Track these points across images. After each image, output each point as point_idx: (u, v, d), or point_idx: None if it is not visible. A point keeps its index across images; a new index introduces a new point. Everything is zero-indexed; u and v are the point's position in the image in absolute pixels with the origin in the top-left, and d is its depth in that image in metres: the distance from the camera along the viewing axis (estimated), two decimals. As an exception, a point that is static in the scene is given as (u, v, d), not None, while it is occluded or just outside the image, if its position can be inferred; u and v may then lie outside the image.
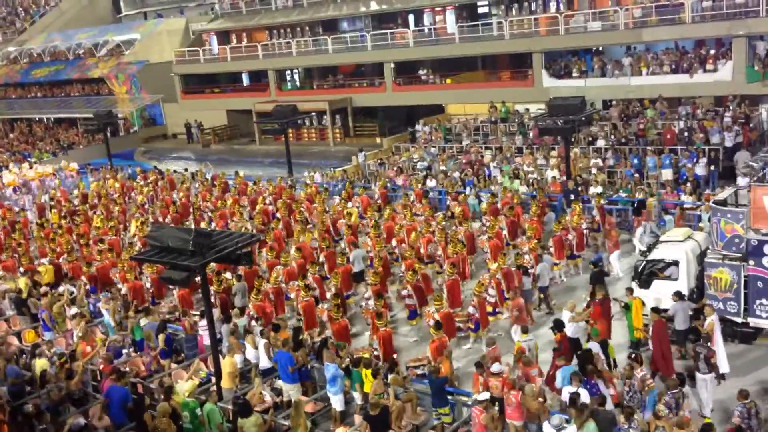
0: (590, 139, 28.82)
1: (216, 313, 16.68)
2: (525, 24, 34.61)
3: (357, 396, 13.76)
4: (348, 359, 14.21)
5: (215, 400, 13.27)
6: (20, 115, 58.46)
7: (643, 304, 14.95)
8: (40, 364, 15.10)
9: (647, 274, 16.02)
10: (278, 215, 24.99)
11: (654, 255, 16.25)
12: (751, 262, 14.40)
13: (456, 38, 36.19)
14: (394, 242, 21.41)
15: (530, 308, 17.39)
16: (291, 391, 14.02)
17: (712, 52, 30.13)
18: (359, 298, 18.75)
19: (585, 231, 20.52)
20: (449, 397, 12.97)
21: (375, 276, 17.92)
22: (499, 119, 33.28)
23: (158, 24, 55.66)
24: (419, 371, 14.64)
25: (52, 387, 14.06)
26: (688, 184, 22.81)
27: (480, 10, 38.76)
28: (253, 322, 16.82)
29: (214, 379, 14.53)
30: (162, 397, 13.02)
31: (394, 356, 15.10)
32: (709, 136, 26.26)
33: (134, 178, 34.77)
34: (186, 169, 34.69)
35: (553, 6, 35.69)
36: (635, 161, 25.94)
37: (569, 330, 14.50)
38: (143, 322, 16.91)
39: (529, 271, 17.63)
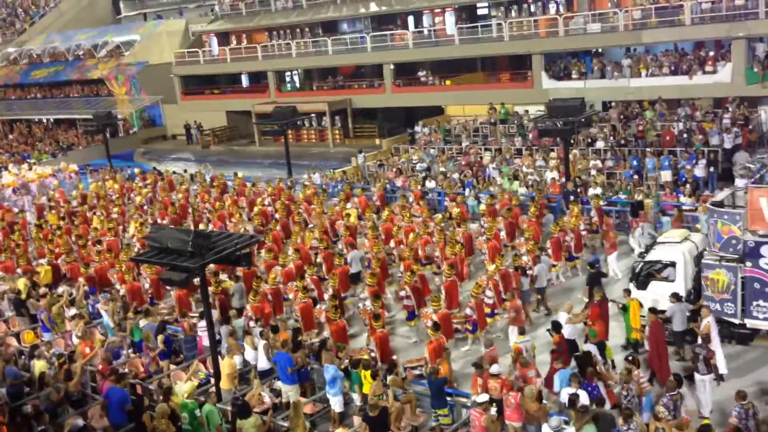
0: (589, 140, 28.84)
1: (215, 314, 16.67)
2: (524, 25, 34.62)
3: (356, 397, 13.76)
4: (347, 360, 14.20)
5: (214, 401, 13.26)
6: (19, 116, 58.46)
7: (641, 305, 14.96)
8: (39, 366, 15.09)
9: (645, 275, 16.04)
10: (277, 216, 25.00)
11: (651, 256, 16.28)
12: (748, 264, 14.43)
13: (455, 40, 36.21)
14: (392, 243, 21.43)
15: (528, 309, 17.41)
16: (290, 392, 14.02)
17: (712, 53, 30.17)
18: (356, 299, 18.74)
19: (583, 232, 20.54)
20: (448, 399, 12.96)
21: (372, 277, 17.93)
22: (499, 121, 33.30)
23: (158, 25, 55.67)
24: (416, 372, 14.64)
25: (51, 388, 14.04)
26: (688, 186, 22.83)
27: (479, 12, 38.77)
28: (252, 323, 16.81)
29: (213, 380, 14.52)
30: (161, 398, 13.02)
31: (394, 357, 15.10)
32: (708, 138, 26.29)
33: (133, 179, 34.77)
34: (185, 171, 34.69)
35: (552, 8, 35.70)
36: (634, 163, 25.96)
37: (566, 331, 14.51)
38: (142, 323, 16.92)
39: (527, 272, 17.65)
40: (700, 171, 24.42)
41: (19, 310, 19.36)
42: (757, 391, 13.17)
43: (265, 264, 20.45)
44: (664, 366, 13.85)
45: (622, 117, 29.82)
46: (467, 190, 26.07)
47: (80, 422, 13.31)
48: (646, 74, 30.85)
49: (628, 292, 15.52)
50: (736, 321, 14.87)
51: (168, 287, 19.52)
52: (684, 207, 21.23)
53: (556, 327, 14.38)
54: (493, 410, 11.77)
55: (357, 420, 13.11)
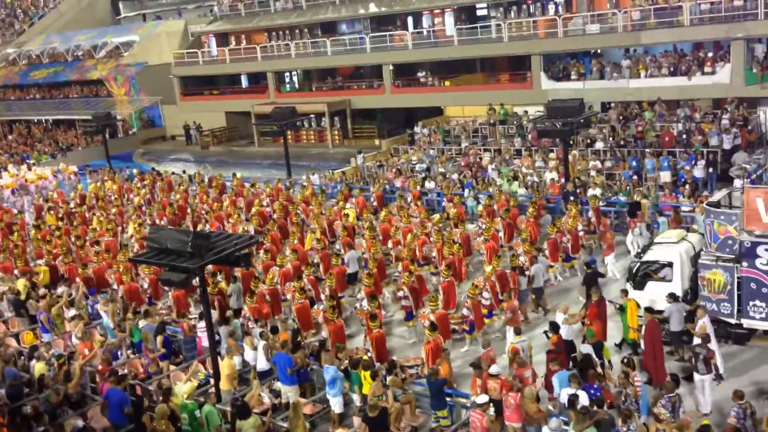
0: (589, 141, 28.86)
1: (213, 315, 16.67)
2: (524, 26, 34.63)
3: (356, 398, 13.76)
4: (347, 361, 14.21)
5: (214, 402, 13.27)
6: (19, 117, 58.46)
7: (638, 305, 14.99)
8: (38, 367, 15.09)
9: (642, 275, 16.08)
10: (275, 217, 25.03)
11: (648, 256, 16.31)
12: (745, 264, 14.47)
13: (455, 40, 36.22)
14: (390, 244, 21.45)
15: (526, 309, 17.45)
16: (289, 392, 14.02)
17: (710, 54, 30.19)
18: (353, 300, 18.75)
19: (581, 233, 20.57)
20: (448, 399, 12.97)
21: (369, 278, 17.95)
22: (498, 121, 33.32)
23: (157, 26, 55.69)
24: (412, 371, 14.66)
25: (51, 390, 14.04)
26: (687, 187, 22.85)
27: (479, 13, 38.78)
28: (252, 324, 16.83)
29: (212, 381, 14.52)
30: (161, 399, 13.02)
31: (394, 358, 15.10)
32: (707, 139, 26.31)
33: (132, 180, 34.79)
34: (183, 171, 34.71)
35: (551, 8, 35.75)
36: (633, 163, 25.98)
37: (563, 332, 14.55)
38: (142, 324, 16.92)
39: (525, 272, 17.67)
40: (699, 172, 24.45)
41: (18, 310, 19.37)
42: (754, 390, 13.19)
43: (262, 265, 20.45)
44: (660, 366, 13.89)
45: (621, 118, 29.84)
46: (466, 190, 26.09)
47: (80, 423, 13.32)
48: (645, 75, 30.86)
49: (625, 292, 15.55)
50: (733, 321, 14.91)
51: (166, 287, 19.54)
52: (683, 208, 21.24)
53: (554, 327, 14.40)
54: (491, 410, 11.78)
55: (357, 420, 13.11)
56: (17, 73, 59.74)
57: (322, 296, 18.25)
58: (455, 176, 28.03)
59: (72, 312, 18.10)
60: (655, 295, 15.52)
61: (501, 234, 21.32)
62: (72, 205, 30.97)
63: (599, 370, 13.05)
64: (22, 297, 19.47)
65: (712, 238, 14.96)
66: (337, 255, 20.05)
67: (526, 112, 32.75)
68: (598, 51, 34.31)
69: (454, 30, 36.73)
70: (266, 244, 21.79)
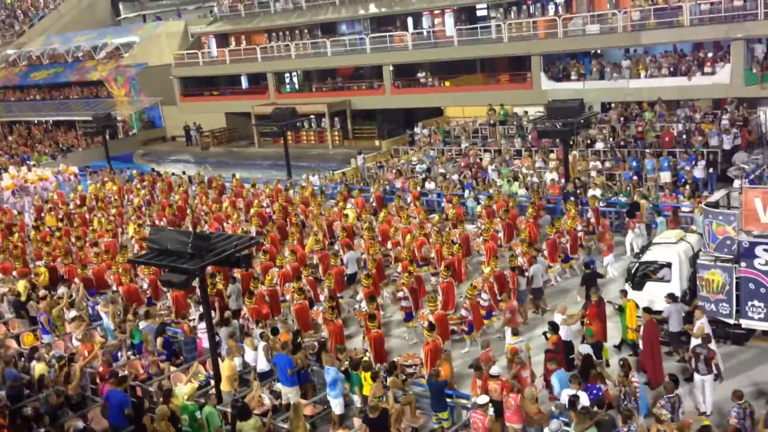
0: (589, 141, 28.86)
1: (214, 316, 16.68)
2: (523, 27, 34.64)
3: (356, 399, 13.76)
4: (347, 362, 14.21)
5: (214, 403, 13.27)
6: (19, 118, 58.49)
7: (637, 306, 15.00)
8: (38, 368, 15.10)
9: (640, 276, 16.10)
10: (274, 218, 25.04)
11: (647, 257, 16.33)
12: (743, 264, 14.49)
13: (455, 41, 36.23)
14: (389, 244, 21.46)
15: (526, 309, 17.45)
16: (290, 393, 14.02)
17: (710, 55, 30.19)
18: (352, 301, 18.75)
19: (580, 234, 20.58)
20: (448, 400, 12.97)
21: (367, 279, 17.97)
22: (498, 122, 33.32)
23: (157, 27, 55.71)
24: (410, 370, 14.65)
25: (51, 391, 14.05)
26: (687, 187, 22.85)
27: (479, 13, 38.79)
28: (251, 324, 16.84)
29: (213, 382, 14.52)
30: (161, 400, 13.02)
31: (395, 360, 15.10)
32: (707, 139, 26.31)
33: (132, 181, 34.80)
34: (183, 172, 34.74)
35: (551, 9, 35.76)
36: (634, 164, 25.98)
37: (562, 333, 14.56)
38: (142, 324, 16.93)
39: (524, 273, 17.67)
40: (699, 172, 24.44)
41: (18, 312, 19.37)
42: (753, 391, 13.19)
43: (261, 266, 20.45)
44: (658, 367, 13.90)
45: (621, 118, 29.83)
46: (467, 191, 26.09)
47: (80, 424, 13.32)
48: (645, 75, 30.86)
49: (624, 292, 15.57)
50: (731, 321, 14.94)
51: (164, 288, 19.56)
52: (684, 208, 21.24)
53: (554, 327, 14.43)
54: (490, 411, 11.78)
55: (357, 422, 13.11)
56: (17, 74, 59.78)
57: (321, 297, 18.25)
58: (455, 177, 28.04)
59: (72, 313, 18.11)
60: (653, 295, 15.54)
61: (500, 234, 21.32)
62: (72, 206, 30.97)
63: (599, 369, 13.05)
64: (23, 298, 19.47)
65: (710, 239, 14.98)
66: (336, 255, 20.04)
67: (526, 112, 32.75)
68: (598, 51, 34.31)
69: (454, 30, 36.74)
70: (265, 245, 21.79)
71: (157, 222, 26.49)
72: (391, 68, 38.65)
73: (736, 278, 14.59)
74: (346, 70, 42.95)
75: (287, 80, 46.10)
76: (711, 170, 24.71)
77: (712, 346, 13.47)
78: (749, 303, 14.59)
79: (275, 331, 15.73)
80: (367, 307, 16.40)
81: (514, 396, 12.10)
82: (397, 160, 32.67)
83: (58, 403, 13.73)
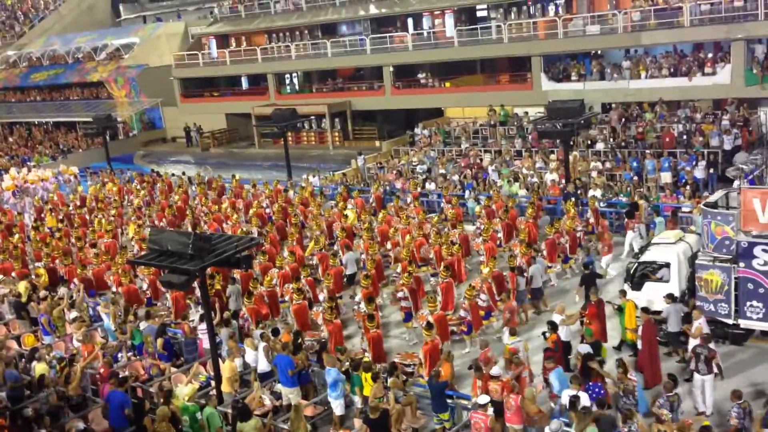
0: (589, 142, 28.86)
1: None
2: (524, 27, 34.64)
3: (357, 399, 13.75)
4: (347, 363, 14.20)
5: (215, 404, 13.26)
6: (19, 119, 58.51)
7: (636, 306, 15.00)
8: (39, 368, 15.10)
9: (639, 276, 16.11)
10: (273, 218, 25.04)
11: (645, 257, 16.34)
12: (742, 264, 14.51)
13: (455, 42, 36.24)
14: (388, 245, 21.47)
15: (526, 309, 17.46)
16: (290, 394, 14.01)
17: (711, 55, 30.19)
18: (351, 302, 18.75)
19: (579, 234, 20.58)
20: (449, 401, 12.96)
21: (366, 279, 17.96)
22: (498, 122, 33.32)
23: (157, 28, 55.74)
24: (408, 369, 14.65)
25: (51, 391, 14.05)
26: (688, 188, 22.84)
27: (479, 14, 38.79)
28: (250, 325, 16.84)
29: (213, 383, 14.51)
30: (162, 401, 13.01)
31: (395, 361, 15.10)
32: (708, 140, 26.30)
33: (132, 182, 34.81)
34: (183, 173, 34.75)
35: (551, 9, 35.76)
36: (634, 164, 25.97)
37: (561, 333, 14.57)
38: (143, 325, 16.92)
39: (524, 273, 17.67)
40: (700, 172, 24.43)
41: (19, 313, 19.36)
42: (752, 391, 13.18)
43: (260, 266, 20.43)
44: (656, 367, 13.90)
45: (622, 119, 29.82)
46: (467, 192, 26.09)
47: (81, 425, 13.32)
48: (645, 76, 30.86)
49: (623, 293, 15.59)
50: (730, 321, 14.96)
51: (163, 289, 19.58)
52: (684, 209, 21.23)
53: (553, 326, 14.46)
54: (490, 411, 11.77)
55: (357, 422, 13.10)
56: (18, 76, 59.80)
57: (320, 297, 18.29)
58: (456, 177, 28.04)
59: (73, 314, 18.10)
60: (652, 295, 15.56)
61: (500, 235, 21.32)
62: (71, 207, 30.98)
63: (595, 367, 13.05)
64: (23, 299, 19.47)
65: (709, 239, 15.02)
66: (334, 256, 20.05)
67: (526, 113, 32.75)
68: (599, 52, 34.31)
69: (454, 31, 36.76)
70: (265, 245, 21.79)
71: (156, 223, 26.50)
72: (391, 69, 38.65)
73: (735, 278, 14.61)
74: (346, 71, 42.96)
75: (287, 81, 46.11)
76: (711, 171, 24.71)
77: (712, 345, 13.49)
78: (748, 303, 14.62)
79: (276, 332, 15.73)
80: (365, 308, 16.41)
81: (514, 397, 12.09)
82: (397, 161, 32.66)
83: (59, 403, 13.73)
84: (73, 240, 25.36)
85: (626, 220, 21.01)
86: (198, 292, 18.68)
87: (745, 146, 26.00)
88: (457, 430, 12.61)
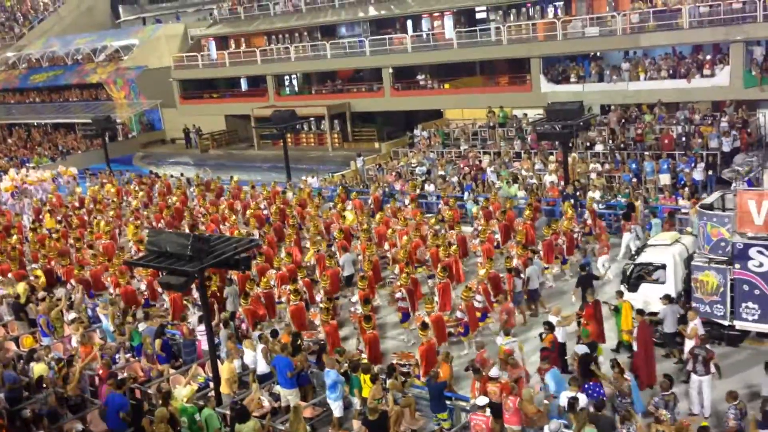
0: (588, 144, 28.87)
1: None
2: (523, 29, 34.69)
3: (356, 401, 13.75)
4: (346, 364, 14.20)
5: (213, 406, 13.25)
6: (19, 120, 58.49)
7: (632, 307, 15.02)
8: (38, 369, 15.09)
9: (635, 277, 16.13)
10: (271, 220, 25.04)
11: (642, 258, 16.37)
12: (737, 266, 14.52)
13: (454, 43, 36.28)
14: (386, 246, 21.46)
15: (524, 310, 17.46)
16: (289, 396, 14.00)
17: (709, 57, 30.21)
18: (348, 303, 18.75)
19: (576, 235, 20.59)
20: (447, 402, 12.96)
21: (362, 280, 17.95)
22: (497, 124, 33.33)
23: (157, 29, 55.75)
24: (404, 369, 14.66)
25: (50, 392, 14.03)
26: (686, 189, 22.85)
27: (478, 16, 38.87)
28: (246, 326, 16.84)
29: (212, 385, 14.50)
30: (160, 402, 13.00)
31: (393, 362, 15.10)
32: (707, 141, 26.32)
33: (131, 183, 34.81)
34: (181, 174, 34.71)
35: (551, 11, 35.80)
36: (633, 166, 25.99)
37: (558, 334, 14.59)
38: (141, 326, 16.91)
39: (520, 275, 17.69)
40: (698, 174, 24.43)
41: (18, 314, 19.35)
42: (748, 393, 13.16)
43: (257, 267, 20.42)
44: (651, 368, 13.91)
45: (623, 120, 29.83)
46: (466, 193, 26.09)
47: (79, 426, 13.31)
48: (644, 78, 30.90)
49: (620, 293, 15.60)
50: (726, 323, 14.98)
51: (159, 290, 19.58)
52: (683, 211, 21.24)
53: (550, 327, 14.47)
54: (487, 412, 11.77)
55: (356, 424, 13.09)
56: (17, 77, 59.81)
57: (317, 298, 18.31)
58: (455, 179, 28.04)
59: (72, 315, 18.09)
60: (648, 296, 15.59)
61: (497, 236, 21.32)
62: (70, 208, 30.97)
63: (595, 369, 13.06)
64: (22, 300, 19.45)
65: (705, 240, 15.06)
66: (331, 257, 20.06)
67: (525, 114, 32.75)
68: (598, 54, 34.33)
69: (453, 33, 36.81)
70: (262, 246, 21.77)
71: (154, 224, 26.50)
72: (390, 70, 38.68)
73: (731, 280, 14.64)
74: (345, 73, 42.99)
75: (287, 83, 46.14)
76: (710, 172, 24.71)
77: (708, 346, 13.51)
78: (743, 304, 14.63)
79: (275, 334, 15.72)
80: (362, 309, 16.41)
81: (513, 398, 12.09)
82: (396, 163, 32.67)
83: (56, 404, 13.71)
84: (71, 241, 25.34)
85: (623, 221, 21.02)
86: (195, 294, 18.76)
87: (744, 148, 26.00)
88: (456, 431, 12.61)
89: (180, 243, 12.98)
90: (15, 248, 24.38)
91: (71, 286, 20.64)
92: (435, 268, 19.06)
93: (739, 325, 14.87)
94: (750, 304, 14.54)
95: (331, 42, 41.36)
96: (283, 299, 18.49)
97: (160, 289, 19.56)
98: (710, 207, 15.71)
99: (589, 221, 21.44)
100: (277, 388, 14.37)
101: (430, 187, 27.62)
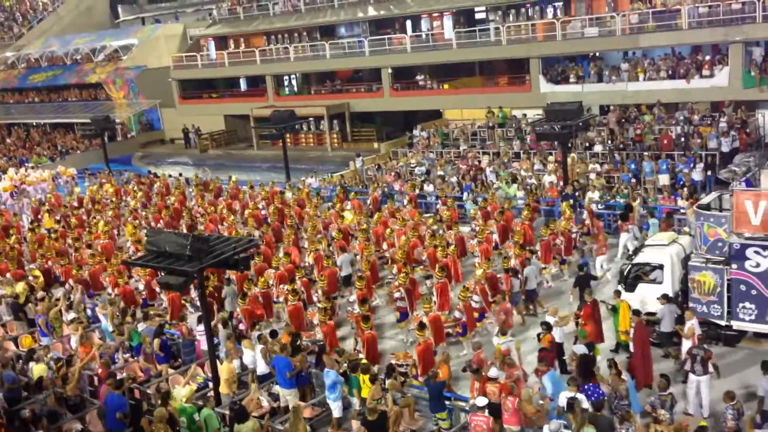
0: (587, 144, 28.89)
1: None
2: (522, 30, 34.69)
3: (355, 401, 13.75)
4: (345, 364, 14.20)
5: (213, 406, 13.25)
6: (18, 120, 58.43)
7: (629, 307, 15.04)
8: (37, 370, 15.08)
9: (633, 277, 16.16)
10: (269, 220, 25.03)
11: (639, 259, 16.40)
12: (734, 266, 14.56)
13: (453, 44, 36.28)
14: (385, 246, 21.44)
15: (521, 310, 17.46)
16: (288, 396, 14.00)
17: (709, 57, 30.22)
18: (345, 302, 18.76)
19: (574, 236, 20.59)
20: (447, 402, 12.96)
21: (360, 280, 17.96)
22: (497, 124, 33.34)
23: (156, 29, 55.71)
24: (402, 369, 14.66)
25: (50, 393, 14.03)
26: (685, 190, 22.86)
27: (477, 16, 38.85)
28: (243, 326, 16.84)
29: (211, 385, 14.50)
30: (159, 402, 12.99)
31: (392, 362, 15.10)
32: (706, 142, 26.34)
33: (129, 183, 34.80)
34: (180, 174, 34.68)
35: (550, 12, 35.81)
36: (632, 166, 26.00)
37: (555, 335, 14.60)
38: (141, 326, 16.90)
39: (518, 275, 17.69)
40: (697, 175, 24.44)
41: (17, 314, 19.33)
42: (745, 393, 13.18)
43: (255, 267, 20.42)
44: (648, 368, 13.92)
45: (622, 120, 29.83)
46: (465, 193, 26.10)
47: (78, 426, 13.30)
48: (643, 78, 30.90)
49: (618, 293, 15.62)
50: (723, 323, 15.02)
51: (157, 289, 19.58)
52: (682, 212, 21.26)
53: (548, 327, 14.49)
54: (485, 413, 11.77)
55: (355, 424, 13.09)
56: (16, 77, 59.76)
57: (314, 298, 18.26)
58: (454, 179, 28.05)
59: (71, 315, 18.08)
60: (645, 297, 15.62)
61: (495, 236, 21.33)
62: (68, 208, 30.95)
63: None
64: (21, 300, 19.44)
65: (702, 241, 15.08)
66: (328, 257, 20.07)
67: (524, 115, 32.77)
68: (597, 54, 34.34)
69: (452, 33, 36.80)
70: (261, 246, 21.77)
71: (153, 224, 26.48)
72: (389, 71, 38.67)
73: (728, 280, 14.67)
74: (344, 73, 42.98)
75: (286, 83, 46.12)
76: (709, 173, 24.74)
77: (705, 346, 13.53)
78: (740, 305, 14.68)
79: (274, 334, 15.71)
80: (359, 309, 16.40)
81: (512, 399, 12.09)
82: (395, 163, 32.67)
83: (55, 404, 13.70)
84: (69, 241, 25.33)
85: (620, 222, 21.04)
86: (193, 293, 18.76)
87: (743, 148, 26.03)
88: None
89: (179, 243, 12.99)
90: (13, 248, 24.36)
91: (70, 286, 20.63)
92: (432, 268, 19.07)
93: (736, 325, 14.92)
94: (747, 304, 14.58)
95: (330, 42, 41.36)
96: (281, 299, 18.49)
97: (158, 289, 19.55)
98: (707, 207, 15.76)
99: (588, 221, 21.45)
100: (277, 388, 14.37)
101: (429, 188, 27.62)
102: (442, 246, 19.72)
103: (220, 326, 16.54)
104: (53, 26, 63.76)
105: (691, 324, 13.89)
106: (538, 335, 14.68)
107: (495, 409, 12.14)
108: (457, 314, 16.57)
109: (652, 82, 30.63)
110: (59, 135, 54.01)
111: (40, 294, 19.56)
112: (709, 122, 27.94)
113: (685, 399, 13.21)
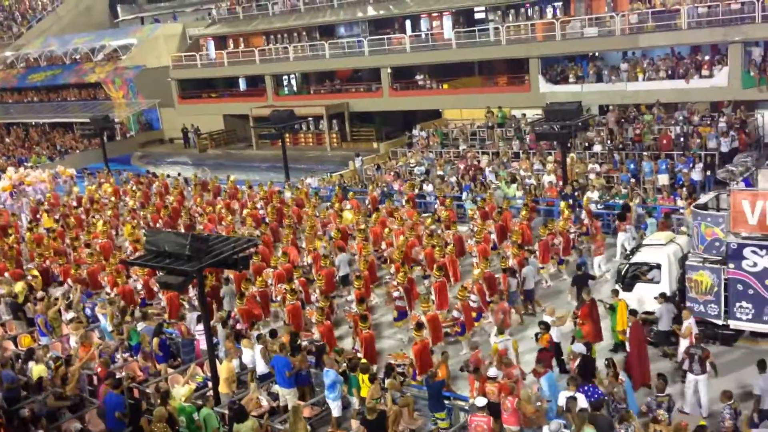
0: (587, 144, 28.89)
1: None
2: (521, 30, 34.68)
3: (354, 401, 13.75)
4: (345, 363, 14.20)
5: (212, 405, 13.24)
6: (17, 120, 58.41)
7: (627, 306, 15.06)
8: (37, 370, 15.07)
9: (630, 277, 16.18)
10: (267, 220, 25.04)
11: (636, 258, 16.42)
12: (731, 266, 14.60)
13: (453, 44, 36.27)
14: (383, 245, 21.44)
15: (519, 310, 17.47)
16: (288, 395, 14.00)
17: (708, 58, 30.24)
18: (343, 302, 18.76)
19: (572, 236, 20.60)
20: (446, 402, 12.96)
21: (358, 280, 17.97)
22: (496, 124, 33.35)
23: (155, 29, 55.70)
24: (399, 369, 14.68)
25: (49, 392, 14.02)
26: (684, 190, 22.87)
27: (477, 16, 38.84)
28: (240, 326, 16.84)
29: (210, 384, 14.49)
30: (158, 401, 12.99)
31: (391, 362, 15.10)
32: (706, 142, 26.35)
33: (128, 182, 34.79)
34: (179, 174, 34.65)
35: (549, 12, 35.80)
36: (632, 166, 26.02)
37: (553, 334, 14.61)
38: (140, 326, 16.89)
39: (516, 274, 17.69)
40: (697, 175, 24.45)
41: (15, 313, 19.33)
42: (741, 393, 13.17)
43: (253, 266, 20.41)
44: (645, 368, 13.92)
45: (622, 120, 29.84)
46: (464, 193, 26.10)
47: (78, 426, 13.29)
48: (642, 78, 30.89)
49: (616, 293, 15.64)
50: (720, 322, 15.05)
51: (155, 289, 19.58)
52: (681, 211, 21.27)
53: (546, 327, 14.51)
54: (485, 413, 11.78)
55: (354, 424, 13.09)
56: (15, 76, 59.74)
57: (312, 297, 18.24)
58: (453, 179, 28.05)
59: (70, 315, 18.07)
60: (643, 296, 15.64)
61: (493, 236, 21.34)
62: (67, 207, 30.94)
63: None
64: (20, 300, 19.43)
65: (699, 240, 15.12)
66: (326, 257, 20.07)
67: (524, 115, 32.77)
68: (596, 54, 34.35)
69: (452, 33, 36.79)
70: (259, 246, 21.76)
71: (151, 224, 26.47)
72: (389, 70, 38.67)
73: (725, 279, 14.70)
74: (344, 73, 42.97)
75: (285, 82, 46.11)
76: (708, 173, 24.74)
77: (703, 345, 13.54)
78: (737, 304, 14.72)
79: (274, 334, 15.71)
80: (357, 309, 16.42)
81: (511, 399, 12.09)
82: (395, 163, 32.67)
83: (55, 404, 13.69)
84: (68, 240, 25.32)
85: (617, 222, 21.06)
86: (191, 293, 18.77)
87: (742, 148, 26.04)
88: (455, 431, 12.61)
89: (178, 242, 12.99)
90: (12, 248, 24.35)
91: (69, 286, 20.62)
92: (430, 268, 19.07)
93: (733, 324, 14.95)
94: (744, 304, 14.62)
95: (329, 42, 41.35)
96: (279, 298, 18.48)
97: (156, 288, 19.55)
98: (705, 207, 15.79)
99: (586, 221, 21.46)
100: (276, 388, 14.37)
101: (428, 187, 27.62)
102: (440, 246, 19.72)
103: (219, 326, 16.55)
104: (52, 26, 63.73)
105: (689, 323, 13.92)
106: (536, 335, 14.69)
107: (495, 409, 12.14)
108: (455, 314, 16.58)
109: (651, 82, 30.63)
110: (58, 134, 54.00)
111: (39, 294, 19.56)
112: (708, 122, 27.95)
113: (683, 398, 13.21)
